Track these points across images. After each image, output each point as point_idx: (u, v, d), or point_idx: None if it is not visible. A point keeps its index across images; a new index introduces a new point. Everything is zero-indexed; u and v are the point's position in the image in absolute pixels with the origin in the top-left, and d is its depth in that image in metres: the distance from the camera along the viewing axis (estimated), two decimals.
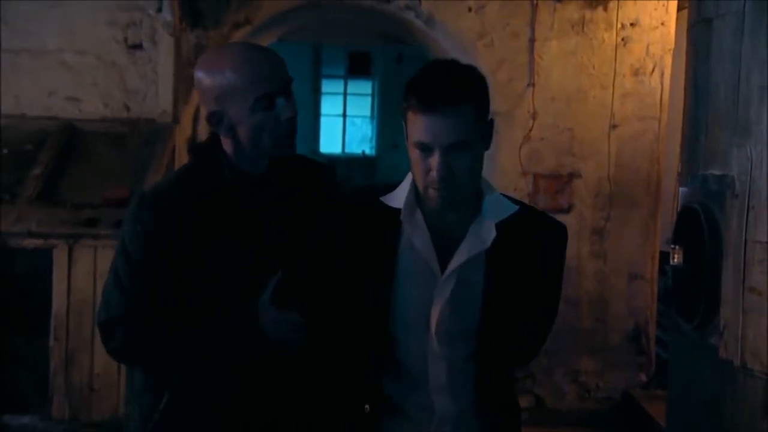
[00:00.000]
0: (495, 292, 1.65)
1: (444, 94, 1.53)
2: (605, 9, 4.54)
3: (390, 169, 11.67)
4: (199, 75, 1.74)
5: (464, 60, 4.48)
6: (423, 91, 1.55)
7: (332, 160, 13.04)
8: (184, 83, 4.29)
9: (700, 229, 2.86)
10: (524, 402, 4.68)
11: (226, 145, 1.78)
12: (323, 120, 13.92)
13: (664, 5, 4.58)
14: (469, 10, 4.51)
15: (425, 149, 1.56)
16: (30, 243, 3.62)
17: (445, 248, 1.65)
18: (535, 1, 4.51)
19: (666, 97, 4.62)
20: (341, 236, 1.72)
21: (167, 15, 4.23)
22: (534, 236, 1.69)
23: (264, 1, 4.42)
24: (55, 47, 4.21)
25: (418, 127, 1.55)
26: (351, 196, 1.85)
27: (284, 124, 1.74)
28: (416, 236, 1.65)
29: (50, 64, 4.20)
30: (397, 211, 1.66)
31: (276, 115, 1.72)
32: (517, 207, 1.69)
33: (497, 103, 4.59)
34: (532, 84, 4.58)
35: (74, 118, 4.21)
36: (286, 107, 1.73)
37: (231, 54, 1.75)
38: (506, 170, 4.63)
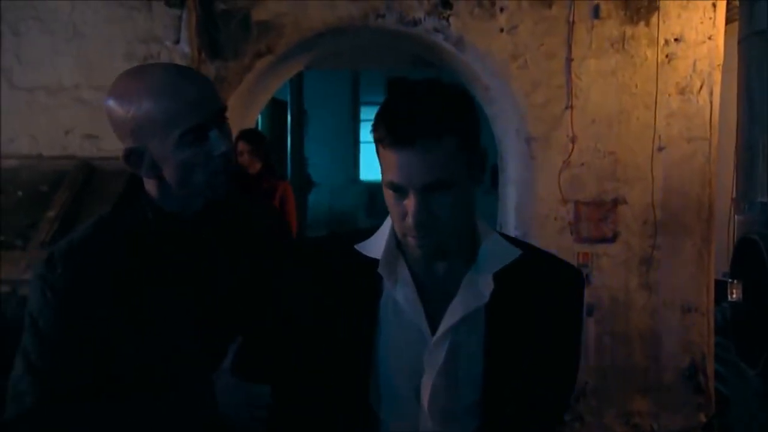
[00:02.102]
0: (499, 355, 1.34)
1: (418, 124, 1.23)
2: (647, 24, 4.27)
3: None
4: (110, 104, 1.43)
5: (497, 83, 4.31)
6: (393, 121, 1.25)
7: (371, 188, 13.00)
8: None
9: (761, 262, 2.58)
10: None
11: (150, 185, 1.50)
12: (363, 147, 13.85)
13: (711, 18, 4.28)
14: (501, 30, 4.28)
15: (399, 190, 1.27)
16: None
17: (436, 305, 1.36)
18: (571, 19, 4.25)
19: (716, 116, 4.31)
20: (309, 293, 1.42)
21: (185, 47, 4.08)
22: (543, 285, 1.38)
23: (285, 30, 4.24)
24: (71, 83, 4.08)
25: (388, 164, 1.26)
26: (318, 244, 1.53)
27: (218, 160, 1.45)
28: (399, 292, 1.36)
29: (67, 101, 4.07)
30: (376, 261, 1.37)
31: (208, 151, 1.44)
32: (519, 252, 1.39)
33: (533, 128, 4.35)
34: (570, 106, 4.31)
35: (92, 156, 4.06)
36: (220, 140, 1.44)
37: (148, 78, 1.42)
38: (545, 198, 4.35)
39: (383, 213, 1.39)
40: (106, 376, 1.43)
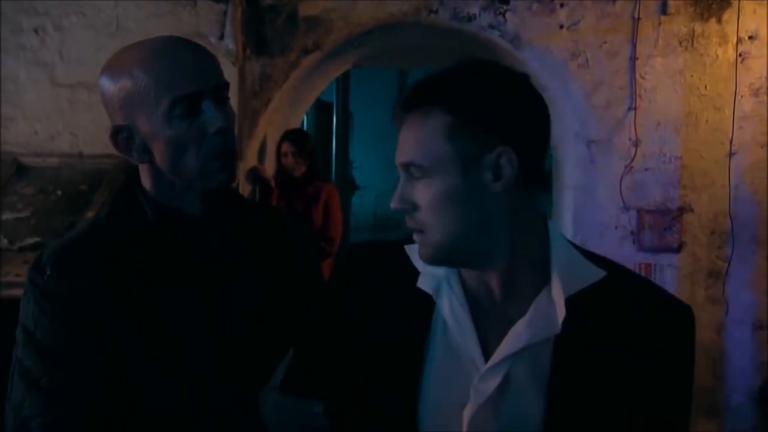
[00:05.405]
0: (566, 399, 1.09)
1: (409, 95, 1.10)
2: (719, 21, 3.99)
3: None
4: (102, 80, 1.30)
5: (556, 83, 4.06)
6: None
7: None
8: (248, 116, 3.96)
9: None
10: None
11: (145, 177, 1.34)
12: None
13: None
14: (561, 27, 4.05)
15: None
16: None
17: (490, 326, 1.14)
18: (636, 15, 4.00)
19: None
20: (360, 306, 1.23)
21: (230, 43, 3.92)
22: (636, 321, 1.12)
23: (334, 26, 4.07)
24: None
25: None
26: (369, 247, 1.33)
27: (213, 139, 1.27)
28: (447, 306, 1.15)
29: None
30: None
31: (201, 126, 1.27)
32: (603, 273, 1.14)
33: (594, 130, 4.11)
34: (633, 108, 4.06)
35: None
36: (216, 115, 1.27)
37: (141, 49, 1.28)
38: (605, 205, 4.11)
39: None
40: (121, 396, 1.23)
